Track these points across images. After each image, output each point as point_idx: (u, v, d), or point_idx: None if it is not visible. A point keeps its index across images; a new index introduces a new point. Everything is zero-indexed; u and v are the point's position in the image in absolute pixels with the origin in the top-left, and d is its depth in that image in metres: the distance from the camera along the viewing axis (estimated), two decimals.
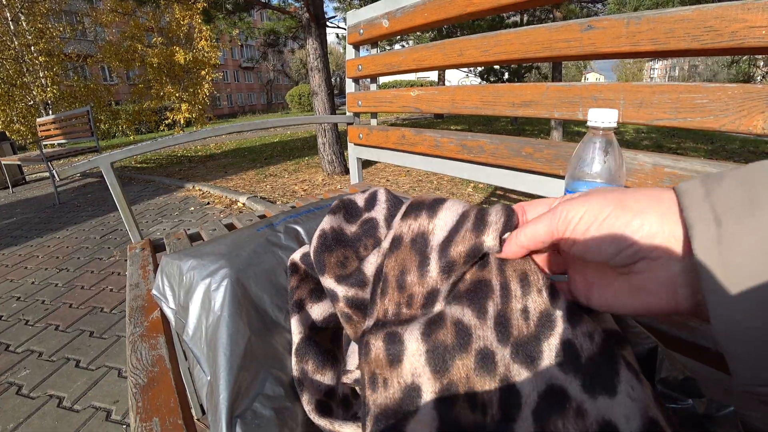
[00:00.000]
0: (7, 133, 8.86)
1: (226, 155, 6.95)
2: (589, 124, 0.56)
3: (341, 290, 0.37)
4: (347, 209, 0.46)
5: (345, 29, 4.52)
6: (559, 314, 0.28)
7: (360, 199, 0.47)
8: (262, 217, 1.05)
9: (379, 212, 0.45)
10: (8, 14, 10.27)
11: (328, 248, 0.40)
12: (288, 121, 1.10)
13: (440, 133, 0.94)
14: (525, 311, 0.29)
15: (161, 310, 0.60)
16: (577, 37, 0.69)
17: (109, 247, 2.76)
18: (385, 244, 0.37)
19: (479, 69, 11.04)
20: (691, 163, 0.62)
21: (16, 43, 10.14)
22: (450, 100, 0.90)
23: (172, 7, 9.69)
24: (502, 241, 0.31)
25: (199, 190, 4.21)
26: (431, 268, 0.33)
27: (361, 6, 6.05)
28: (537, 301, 0.29)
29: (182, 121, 11.92)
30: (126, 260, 2.47)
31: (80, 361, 1.59)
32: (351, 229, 0.44)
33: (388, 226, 0.43)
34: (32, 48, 10.33)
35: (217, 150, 8.11)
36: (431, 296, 0.32)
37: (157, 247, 0.93)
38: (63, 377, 1.51)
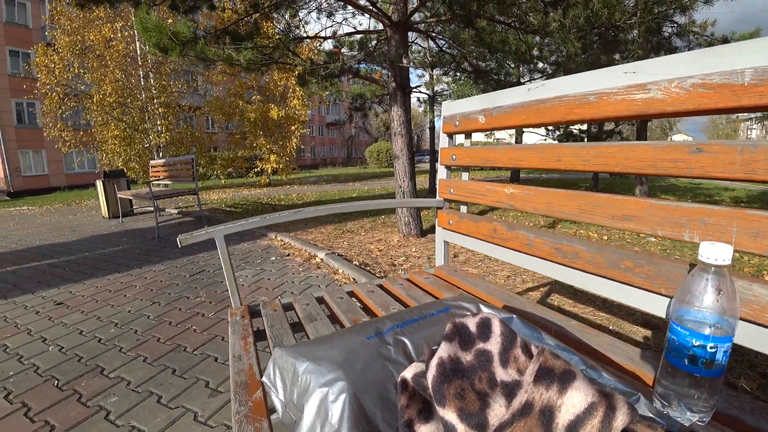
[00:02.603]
0: (125, 170, 10.27)
1: (310, 206, 7.38)
2: (700, 258, 0.55)
3: (462, 428, 0.40)
4: (461, 336, 0.49)
5: (426, 93, 4.77)
6: None
7: (472, 325, 0.50)
8: (351, 294, 1.10)
9: (493, 345, 0.48)
10: (141, 72, 12.19)
11: (446, 379, 0.43)
12: (379, 204, 1.18)
13: (534, 233, 0.95)
14: None
15: (263, 391, 0.65)
16: (684, 158, 0.69)
17: (196, 287, 2.99)
18: (516, 404, 0.40)
19: (558, 133, 10.92)
20: None
21: (143, 95, 11.93)
22: (546, 203, 0.91)
23: (272, 70, 10.91)
24: None
25: (281, 240, 4.45)
26: None
27: (444, 75, 6.37)
28: None
29: (269, 170, 13.04)
30: (210, 302, 2.67)
31: (162, 397, 1.69)
32: (466, 357, 0.47)
33: (502, 361, 0.46)
34: (155, 100, 12.07)
35: (298, 200, 8.64)
36: None
37: (253, 313, 1.01)
38: (145, 410, 1.61)
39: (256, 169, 13.50)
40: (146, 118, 11.86)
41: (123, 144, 11.44)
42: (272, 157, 12.73)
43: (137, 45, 11.83)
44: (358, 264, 3.29)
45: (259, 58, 3.80)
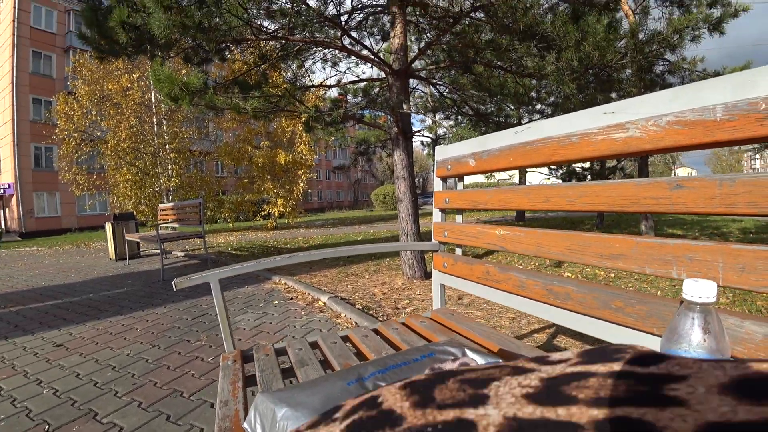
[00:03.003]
0: (135, 213, 10.46)
1: (311, 250, 7.38)
2: (684, 297, 0.54)
3: None
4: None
5: (429, 137, 4.92)
6: None
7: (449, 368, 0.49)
8: (345, 338, 1.08)
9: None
10: (155, 119, 12.70)
11: None
12: (378, 247, 1.19)
13: (525, 274, 0.95)
14: None
15: None
16: (666, 194, 0.70)
17: (197, 331, 2.96)
18: None
19: (561, 172, 11.00)
20: None
21: (156, 141, 12.36)
22: (536, 244, 0.92)
23: (280, 117, 11.31)
24: None
25: (285, 284, 4.43)
26: None
27: (446, 119, 6.55)
28: None
29: (276, 214, 13.22)
30: (211, 346, 2.63)
31: None
32: None
33: None
34: (167, 146, 12.49)
35: (304, 244, 8.65)
36: None
37: (246, 358, 0.99)
38: None
39: (263, 213, 13.69)
40: (158, 162, 12.23)
41: (134, 187, 11.74)
42: (279, 201, 12.93)
43: (152, 94, 12.38)
44: (361, 308, 3.25)
45: (265, 106, 3.96)
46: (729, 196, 0.63)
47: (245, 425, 0.57)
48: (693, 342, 0.53)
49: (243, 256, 7.16)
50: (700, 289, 0.52)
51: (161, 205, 6.70)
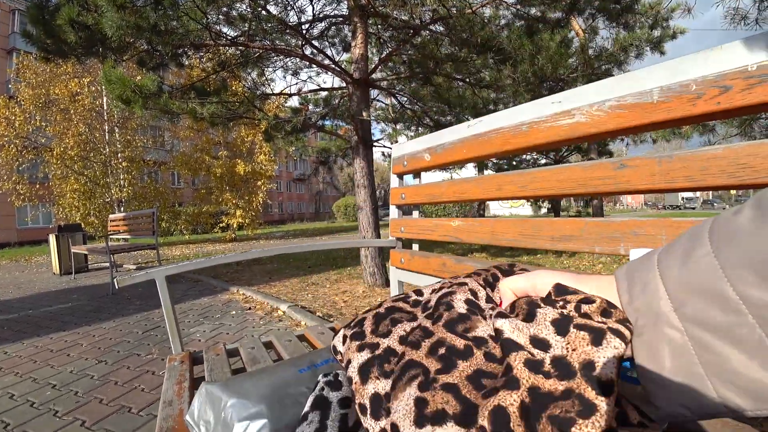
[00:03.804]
0: (83, 225, 9.85)
1: (272, 260, 7.18)
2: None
3: None
4: None
5: (390, 148, 4.92)
6: None
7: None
8: (301, 337, 1.05)
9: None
10: (106, 126, 12.09)
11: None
12: (335, 244, 1.17)
13: (482, 264, 0.95)
14: None
15: None
16: (611, 175, 0.72)
17: (148, 344, 2.80)
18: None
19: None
20: None
21: (107, 149, 11.76)
22: (490, 232, 0.93)
23: (239, 126, 11.06)
24: None
25: (243, 294, 4.29)
26: None
27: (406, 130, 6.64)
28: None
29: (235, 225, 12.83)
30: (163, 359, 2.49)
31: None
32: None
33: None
34: (119, 155, 11.89)
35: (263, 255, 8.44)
36: None
37: (195, 360, 0.94)
38: None
39: (221, 225, 13.25)
40: (109, 172, 11.62)
41: (82, 198, 11.06)
42: (238, 213, 12.57)
43: (104, 100, 11.81)
44: (321, 315, 3.19)
45: (223, 112, 3.86)
46: (668, 172, 0.66)
47: (187, 418, 0.53)
48: None
49: (199, 269, 6.88)
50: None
51: (112, 216, 6.35)
